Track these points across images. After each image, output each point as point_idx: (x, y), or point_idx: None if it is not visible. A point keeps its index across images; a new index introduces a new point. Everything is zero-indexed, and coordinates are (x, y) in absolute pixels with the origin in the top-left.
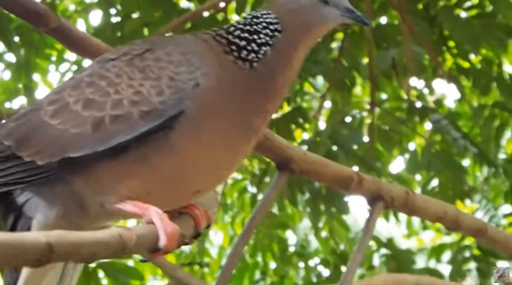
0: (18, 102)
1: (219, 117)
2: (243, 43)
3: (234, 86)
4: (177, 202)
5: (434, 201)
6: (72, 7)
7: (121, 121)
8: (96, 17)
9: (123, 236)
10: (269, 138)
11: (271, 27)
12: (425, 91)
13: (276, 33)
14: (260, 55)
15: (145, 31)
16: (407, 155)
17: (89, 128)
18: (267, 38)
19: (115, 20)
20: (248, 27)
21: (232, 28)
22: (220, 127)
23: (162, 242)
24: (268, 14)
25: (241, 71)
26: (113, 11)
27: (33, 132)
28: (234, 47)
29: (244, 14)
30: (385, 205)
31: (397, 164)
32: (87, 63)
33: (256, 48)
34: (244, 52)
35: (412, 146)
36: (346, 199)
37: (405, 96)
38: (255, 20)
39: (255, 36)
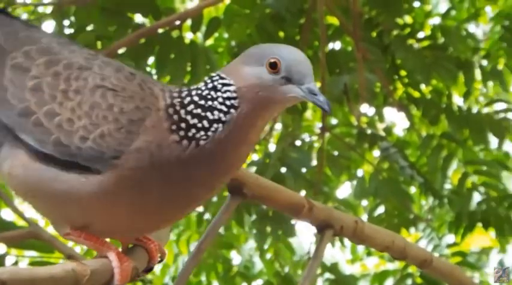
0: None
1: (139, 194)
2: (194, 121)
3: (171, 166)
4: (123, 236)
5: (383, 231)
6: (24, 16)
7: (40, 130)
8: (48, 28)
9: (76, 271)
10: None
11: (227, 102)
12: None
13: (232, 110)
14: (210, 133)
15: (99, 44)
16: (355, 181)
17: (18, 109)
18: (221, 115)
19: (68, 31)
20: (203, 102)
21: (188, 99)
22: (141, 200)
23: (117, 279)
24: (229, 85)
25: (184, 151)
26: (66, 22)
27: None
28: (183, 125)
29: (206, 78)
30: (334, 233)
31: (344, 190)
32: None
33: (207, 125)
34: (193, 130)
35: (360, 172)
36: (292, 221)
37: (355, 122)
38: (212, 93)
39: (208, 113)
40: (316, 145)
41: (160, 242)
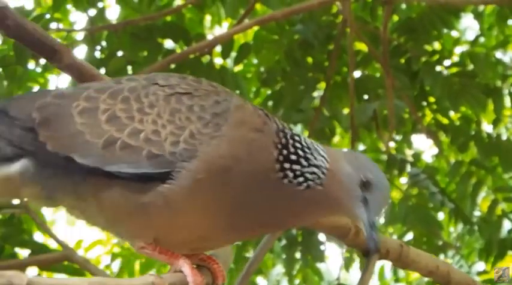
0: None
1: (213, 197)
2: (296, 165)
3: (261, 188)
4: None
5: (426, 255)
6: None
7: (129, 151)
8: (80, 53)
9: (155, 284)
10: None
11: (322, 168)
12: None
13: (323, 176)
14: (301, 181)
15: (129, 70)
16: None
17: (101, 142)
18: (313, 176)
19: (99, 56)
20: (307, 155)
21: (294, 144)
22: (206, 204)
23: None
24: (326, 161)
25: (274, 181)
26: (97, 47)
27: (58, 117)
28: (282, 156)
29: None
30: (380, 257)
31: None
32: None
33: (304, 174)
34: (291, 169)
35: None
36: (322, 247)
37: (384, 149)
38: (315, 154)
39: (307, 169)
40: None
41: (224, 265)
